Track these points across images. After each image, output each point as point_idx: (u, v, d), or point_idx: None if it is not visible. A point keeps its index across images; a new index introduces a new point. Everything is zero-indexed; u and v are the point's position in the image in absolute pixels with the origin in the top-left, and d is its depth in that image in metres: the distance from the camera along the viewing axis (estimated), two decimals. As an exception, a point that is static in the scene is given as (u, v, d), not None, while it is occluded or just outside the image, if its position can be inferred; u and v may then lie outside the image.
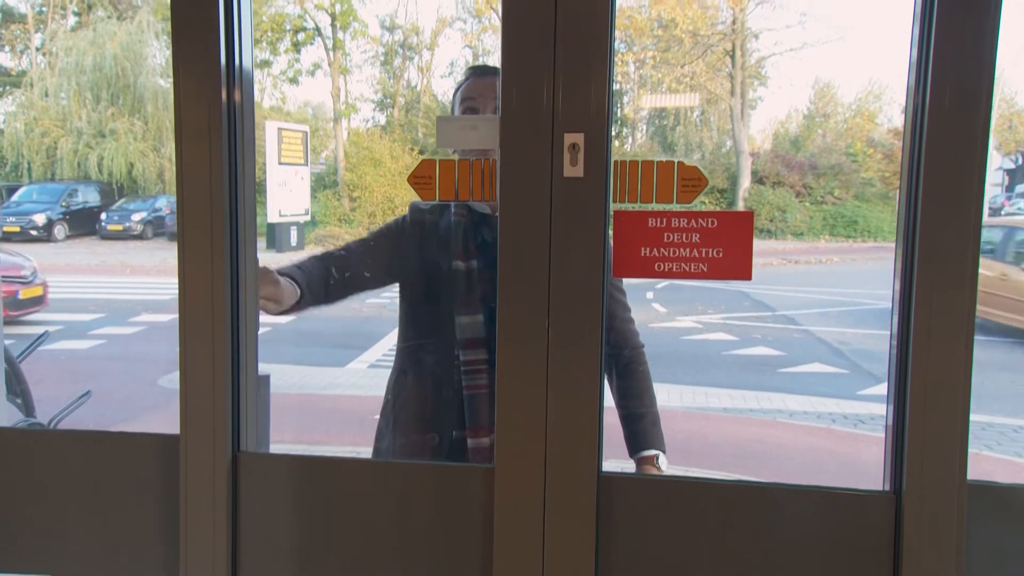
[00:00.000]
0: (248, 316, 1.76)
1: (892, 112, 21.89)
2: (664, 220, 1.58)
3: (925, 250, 1.50)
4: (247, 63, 1.76)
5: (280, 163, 15.83)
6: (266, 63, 18.80)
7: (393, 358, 2.17)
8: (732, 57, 17.52)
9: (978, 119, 1.47)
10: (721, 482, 1.71)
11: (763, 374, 8.68)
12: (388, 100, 19.49)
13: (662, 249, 1.58)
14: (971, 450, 1.53)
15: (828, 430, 6.69)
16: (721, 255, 1.57)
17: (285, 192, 15.90)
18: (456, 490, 1.70)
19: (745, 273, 1.57)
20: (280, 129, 16.02)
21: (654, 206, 1.58)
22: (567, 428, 1.59)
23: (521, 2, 1.56)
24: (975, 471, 1.51)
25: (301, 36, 17.37)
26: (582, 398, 1.59)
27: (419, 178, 1.67)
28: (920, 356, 1.51)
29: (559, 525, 1.61)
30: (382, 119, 19.58)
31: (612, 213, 1.59)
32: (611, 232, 1.59)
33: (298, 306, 1.95)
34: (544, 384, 1.59)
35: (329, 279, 2.07)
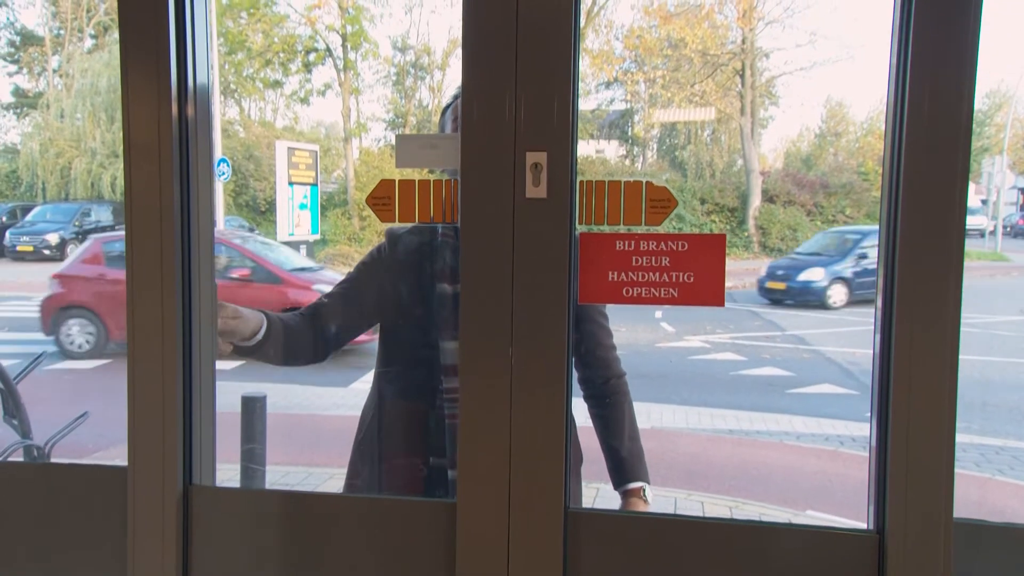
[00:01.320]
0: (203, 344, 1.69)
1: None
2: (632, 243, 1.50)
3: (905, 278, 1.41)
4: (201, 79, 1.69)
5: (290, 183, 15.86)
6: (278, 83, 18.90)
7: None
8: (742, 76, 17.43)
9: (959, 143, 1.39)
10: (693, 519, 1.63)
11: (771, 395, 8.55)
12: (399, 120, 19.54)
13: (631, 273, 1.50)
14: (983, 474, 1.43)
15: (835, 453, 6.55)
16: (692, 279, 1.48)
17: (294, 212, 15.93)
18: (417, 526, 1.62)
19: (717, 299, 1.49)
20: (290, 148, 16.03)
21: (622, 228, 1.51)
22: (531, 464, 1.51)
23: (481, 12, 1.48)
24: (986, 497, 1.41)
25: (312, 57, 17.45)
26: (547, 432, 1.50)
27: (377, 199, 1.60)
28: (902, 382, 1.42)
29: (524, 562, 1.52)
30: (393, 138, 19.65)
31: (577, 236, 1.51)
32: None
33: (263, 343, 1.83)
34: (508, 417, 1.51)
35: (315, 332, 1.98)
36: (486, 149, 1.49)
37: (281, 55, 17.67)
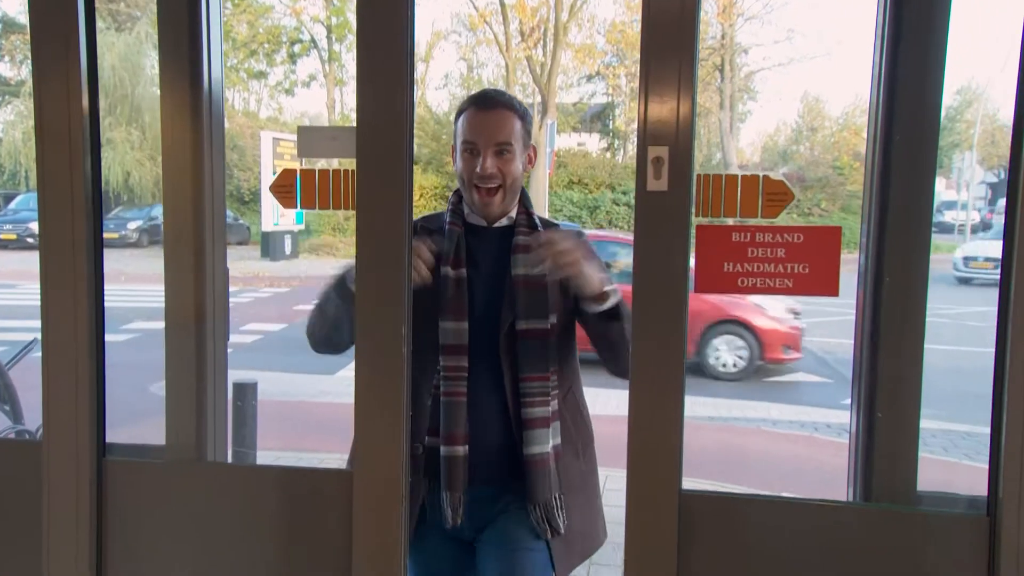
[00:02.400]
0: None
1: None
2: (748, 235, 1.55)
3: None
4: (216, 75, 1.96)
5: (274, 173, 15.80)
6: (262, 74, 18.78)
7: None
8: (721, 71, 17.58)
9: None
10: (797, 500, 1.67)
11: (754, 385, 8.73)
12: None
13: (746, 264, 1.55)
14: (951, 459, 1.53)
15: (810, 438, 6.73)
16: (807, 271, 1.54)
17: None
18: (312, 493, 1.77)
19: (832, 289, 1.54)
20: (275, 139, 16.01)
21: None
22: (652, 450, 1.57)
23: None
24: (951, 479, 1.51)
25: (297, 48, 17.34)
26: (668, 411, 1.56)
27: (280, 187, 1.73)
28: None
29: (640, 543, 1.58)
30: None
31: (695, 227, 1.56)
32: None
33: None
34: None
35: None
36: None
37: (266, 46, 17.55)
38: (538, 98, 16.08)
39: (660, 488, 1.57)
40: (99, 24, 1.74)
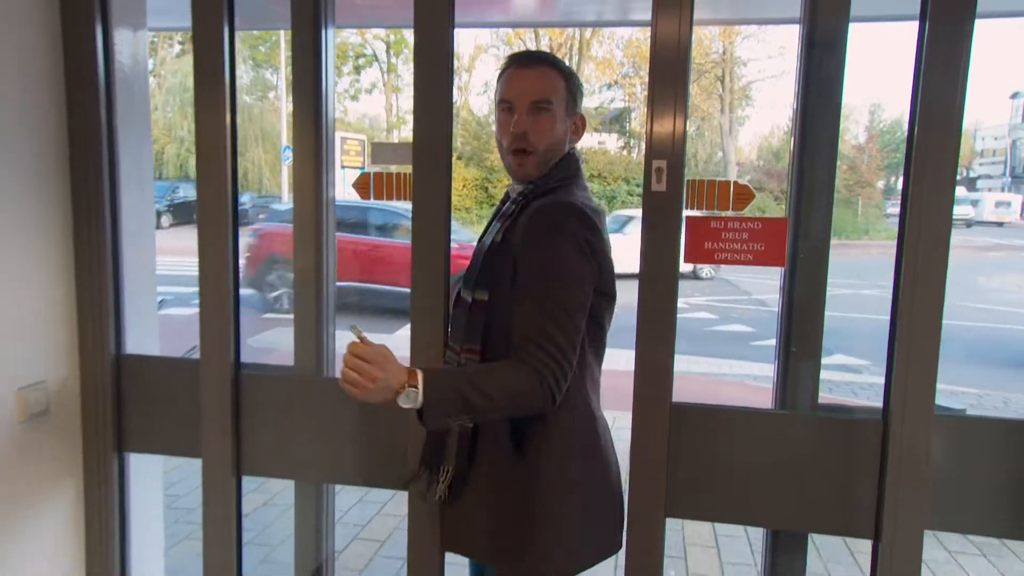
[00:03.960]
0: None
1: (857, 131, 21.97)
2: (723, 223, 1.85)
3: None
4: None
5: (343, 166, 16.19)
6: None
7: None
8: (722, 82, 17.70)
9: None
10: (752, 409, 1.98)
11: (737, 345, 8.96)
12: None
13: (720, 243, 1.86)
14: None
15: (742, 384, 7.16)
16: (763, 248, 1.84)
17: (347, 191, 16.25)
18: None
19: (780, 261, 1.85)
20: (343, 138, 16.29)
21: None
22: (652, 381, 1.88)
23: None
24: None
25: (361, 61, 17.59)
26: (662, 350, 1.85)
27: (359, 185, 2.03)
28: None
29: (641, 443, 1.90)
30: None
31: (684, 218, 1.87)
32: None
33: None
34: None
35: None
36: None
37: (336, 60, 17.87)
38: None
39: (657, 401, 1.88)
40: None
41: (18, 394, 2.02)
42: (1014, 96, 38.43)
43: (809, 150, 1.93)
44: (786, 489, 1.91)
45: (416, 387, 1.34)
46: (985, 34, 1.88)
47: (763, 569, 2.12)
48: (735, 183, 1.84)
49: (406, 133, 21.54)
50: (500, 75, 1.62)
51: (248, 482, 2.25)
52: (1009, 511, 1.85)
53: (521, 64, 1.57)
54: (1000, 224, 24.28)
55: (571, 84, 1.60)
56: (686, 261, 1.87)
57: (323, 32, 2.21)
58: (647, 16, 1.87)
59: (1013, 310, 11.13)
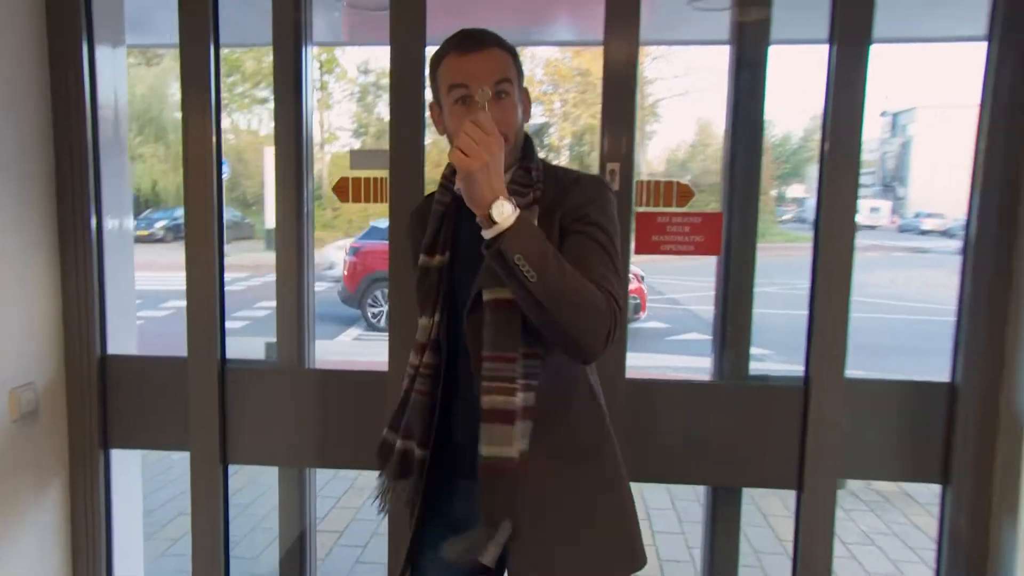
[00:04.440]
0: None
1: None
2: (668, 218, 2.00)
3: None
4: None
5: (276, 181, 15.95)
6: (264, 100, 18.75)
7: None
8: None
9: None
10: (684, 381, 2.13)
11: (654, 340, 9.27)
12: (362, 129, 19.65)
13: (666, 236, 2.00)
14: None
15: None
16: (703, 239, 2.00)
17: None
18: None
19: (717, 251, 2.01)
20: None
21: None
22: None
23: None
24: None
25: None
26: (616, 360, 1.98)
27: (339, 188, 2.14)
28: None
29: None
30: (357, 144, 19.76)
31: (635, 214, 2.00)
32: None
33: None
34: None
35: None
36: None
37: (270, 76, 17.61)
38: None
39: (614, 376, 2.00)
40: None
41: (11, 394, 2.00)
42: (883, 115, 40.97)
43: (739, 157, 2.09)
44: (724, 451, 2.06)
45: (512, 205, 1.16)
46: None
47: (706, 525, 2.27)
48: (678, 183, 1.99)
49: (335, 148, 21.47)
50: (439, 62, 1.33)
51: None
52: (901, 457, 2.08)
53: (467, 49, 1.29)
54: (873, 227, 25.83)
55: (517, 60, 1.34)
56: (637, 252, 2.01)
57: (304, 49, 2.25)
58: (572, 36, 2.00)
59: (886, 302, 12.01)
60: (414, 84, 1.97)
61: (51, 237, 2.13)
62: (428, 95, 1.53)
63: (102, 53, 2.18)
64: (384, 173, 2.07)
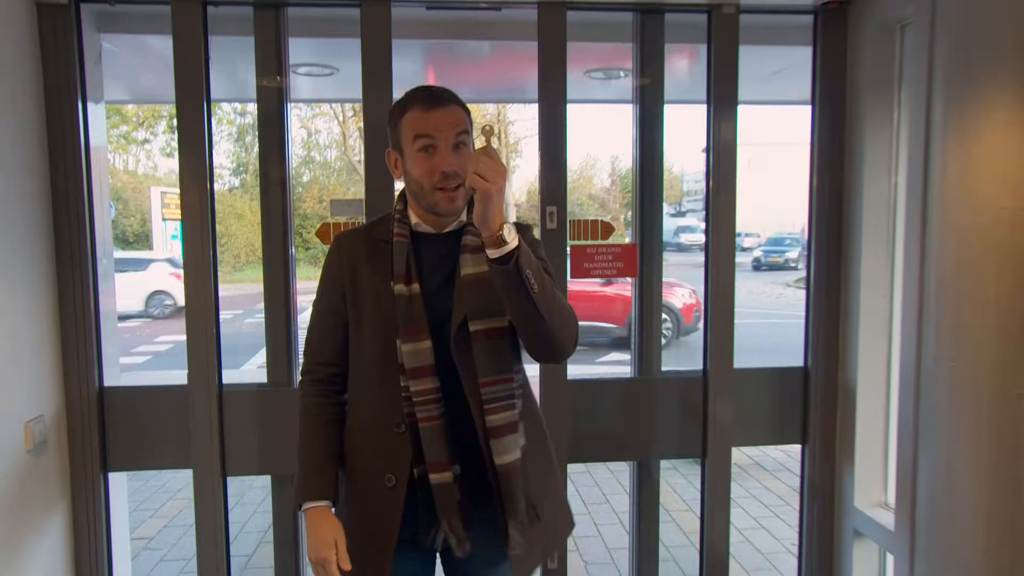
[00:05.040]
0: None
1: (602, 177, 24.26)
2: (596, 248, 2.32)
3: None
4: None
5: (164, 219, 15.27)
6: (145, 141, 17.84)
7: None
8: (499, 139, 18.91)
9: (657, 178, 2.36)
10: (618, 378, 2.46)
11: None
12: (242, 167, 19.04)
13: (595, 264, 2.32)
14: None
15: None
16: (622, 266, 2.34)
17: (167, 241, 15.33)
18: None
19: (633, 273, 2.35)
20: (163, 192, 15.38)
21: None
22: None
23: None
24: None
25: (175, 121, 16.72)
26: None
27: (321, 232, 2.27)
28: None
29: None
30: (236, 182, 19.16)
31: (570, 247, 2.31)
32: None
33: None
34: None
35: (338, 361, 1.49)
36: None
37: (150, 119, 16.76)
38: (368, 158, 16.66)
39: (559, 377, 2.29)
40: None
41: (25, 426, 2.02)
42: (703, 151, 44.53)
43: (647, 195, 2.45)
44: (646, 432, 2.41)
45: (513, 228, 1.24)
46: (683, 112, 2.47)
47: (632, 493, 2.60)
48: (602, 222, 2.32)
49: (219, 186, 20.62)
50: (399, 119, 1.41)
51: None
52: (773, 426, 2.50)
53: (431, 104, 1.37)
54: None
55: (469, 116, 1.42)
56: (572, 278, 2.32)
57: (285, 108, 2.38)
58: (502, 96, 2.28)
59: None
60: (384, 141, 2.19)
61: (51, 277, 2.17)
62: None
63: (92, 108, 2.23)
64: (359, 218, 2.28)
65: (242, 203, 17.20)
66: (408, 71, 2.67)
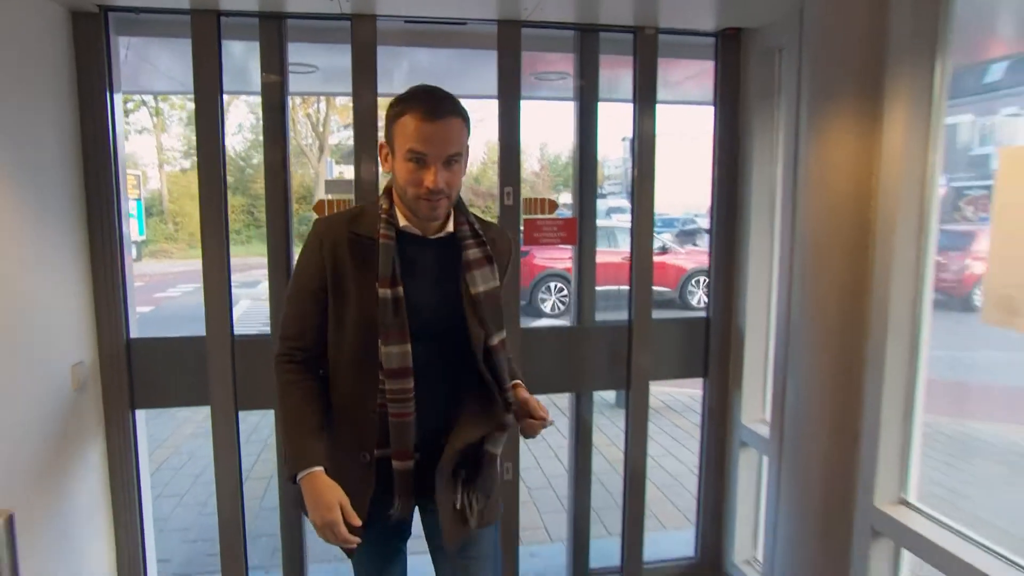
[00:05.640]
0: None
1: (531, 163, 24.60)
2: (545, 221, 2.62)
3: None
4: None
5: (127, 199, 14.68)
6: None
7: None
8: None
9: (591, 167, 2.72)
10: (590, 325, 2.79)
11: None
12: (192, 151, 18.39)
13: (544, 233, 2.63)
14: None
15: None
16: (565, 234, 2.66)
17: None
18: None
19: (574, 241, 2.68)
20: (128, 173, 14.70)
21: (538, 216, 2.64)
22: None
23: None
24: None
25: (130, 105, 15.94)
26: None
27: (317, 208, 2.48)
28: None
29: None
30: (188, 164, 18.49)
31: (523, 220, 2.61)
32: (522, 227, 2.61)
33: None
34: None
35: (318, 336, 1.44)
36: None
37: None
38: (317, 143, 16.41)
39: (513, 327, 2.61)
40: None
41: (72, 368, 2.21)
42: (624, 139, 45.17)
43: (584, 176, 2.76)
44: (584, 369, 2.76)
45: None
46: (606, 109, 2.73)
47: (572, 421, 2.95)
48: (548, 200, 2.63)
49: (168, 169, 19.90)
50: (397, 118, 1.31)
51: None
52: (681, 363, 2.88)
53: (431, 118, 1.28)
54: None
55: (468, 124, 1.35)
56: (525, 245, 2.62)
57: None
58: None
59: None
60: (372, 132, 2.44)
61: (85, 250, 2.34)
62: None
63: (116, 99, 2.38)
64: (350, 196, 2.52)
65: (190, 183, 16.71)
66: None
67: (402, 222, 1.39)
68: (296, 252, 2.49)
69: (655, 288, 2.76)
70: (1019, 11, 2.10)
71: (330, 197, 2.53)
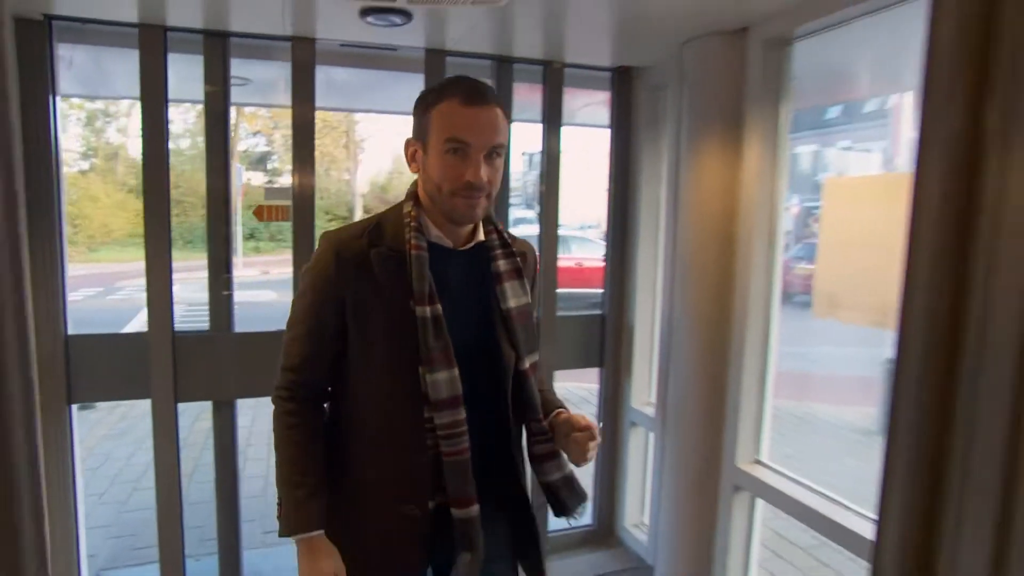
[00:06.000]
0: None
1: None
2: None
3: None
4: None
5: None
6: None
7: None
8: (348, 135, 18.71)
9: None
10: None
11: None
12: (91, 151, 17.15)
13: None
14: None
15: None
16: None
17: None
18: None
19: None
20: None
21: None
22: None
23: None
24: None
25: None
26: None
27: (257, 212, 2.66)
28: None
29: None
30: (87, 165, 17.20)
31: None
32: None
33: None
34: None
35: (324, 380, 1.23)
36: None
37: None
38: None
39: None
40: None
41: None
42: (523, 154, 46.18)
43: (548, 182, 2.95)
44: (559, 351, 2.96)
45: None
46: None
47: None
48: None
49: (67, 170, 18.36)
50: (433, 106, 1.13)
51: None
52: (580, 355, 3.11)
53: (473, 103, 1.10)
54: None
55: (509, 118, 1.21)
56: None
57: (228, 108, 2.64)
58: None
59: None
60: (309, 144, 2.55)
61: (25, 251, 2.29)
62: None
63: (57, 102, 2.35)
64: (288, 202, 2.61)
65: (96, 186, 15.56)
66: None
67: (434, 232, 1.17)
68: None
69: (590, 291, 3.01)
70: (848, 66, 2.53)
71: (269, 203, 2.61)
